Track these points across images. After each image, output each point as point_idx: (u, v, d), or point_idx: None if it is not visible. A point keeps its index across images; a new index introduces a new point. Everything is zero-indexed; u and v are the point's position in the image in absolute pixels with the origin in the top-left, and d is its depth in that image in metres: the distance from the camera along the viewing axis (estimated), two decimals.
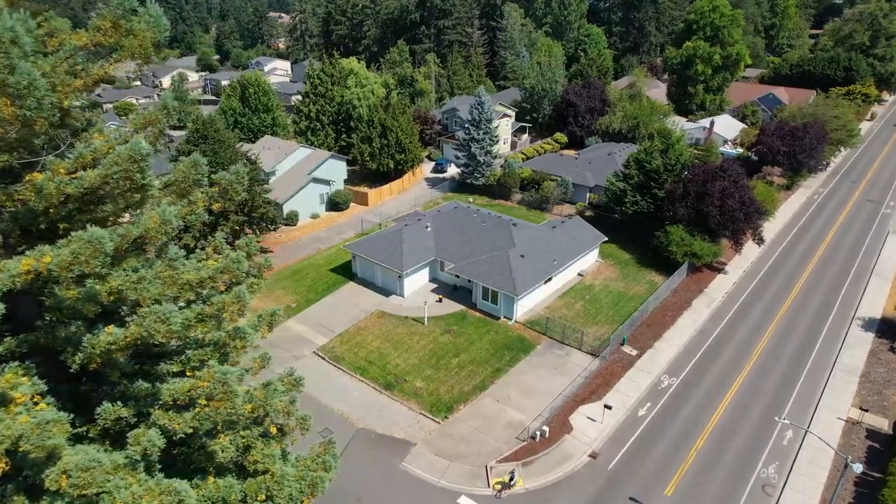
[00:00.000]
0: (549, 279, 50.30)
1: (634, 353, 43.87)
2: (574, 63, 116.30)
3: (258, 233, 60.05)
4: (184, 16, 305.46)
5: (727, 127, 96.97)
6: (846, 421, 37.41)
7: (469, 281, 49.65)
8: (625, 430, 36.80)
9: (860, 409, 37.80)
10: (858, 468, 24.99)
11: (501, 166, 76.19)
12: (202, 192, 15.43)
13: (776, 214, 68.72)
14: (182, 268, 12.69)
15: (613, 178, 60.24)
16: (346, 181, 76.06)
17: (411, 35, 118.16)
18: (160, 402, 13.31)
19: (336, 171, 73.24)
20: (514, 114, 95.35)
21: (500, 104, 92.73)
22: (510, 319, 47.42)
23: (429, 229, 54.72)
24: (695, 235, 53.03)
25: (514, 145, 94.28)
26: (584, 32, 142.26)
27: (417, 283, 52.22)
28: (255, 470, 16.79)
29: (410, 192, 77.94)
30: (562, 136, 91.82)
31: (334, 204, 71.09)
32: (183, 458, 16.15)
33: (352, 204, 73.21)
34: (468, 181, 74.70)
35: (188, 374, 14.16)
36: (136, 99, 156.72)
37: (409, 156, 77.55)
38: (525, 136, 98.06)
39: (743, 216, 52.30)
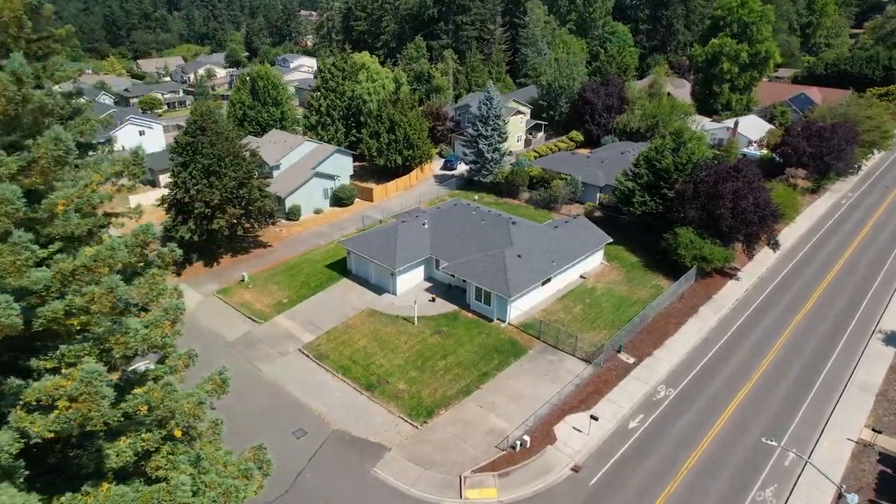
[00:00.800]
0: (548, 281, 48.20)
1: (631, 360, 41.51)
2: (594, 61, 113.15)
3: (256, 226, 59.44)
4: (216, 13, 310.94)
5: (753, 127, 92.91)
6: (857, 442, 34.49)
7: (463, 281, 47.90)
8: (613, 442, 34.59)
9: (873, 430, 34.78)
10: (853, 499, 22.43)
11: (512, 164, 74.14)
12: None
13: (798, 219, 65.28)
14: (25, 253, 11.37)
15: (622, 178, 57.67)
16: (352, 177, 75.16)
17: (429, 31, 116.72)
18: (22, 402, 12.05)
19: (342, 166, 72.27)
20: (528, 111, 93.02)
21: (513, 101, 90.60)
22: (503, 321, 45.52)
23: (426, 226, 53.16)
24: (705, 238, 50.24)
25: (528, 143, 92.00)
26: (609, 30, 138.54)
27: (411, 281, 50.69)
28: (157, 477, 15.42)
29: (417, 188, 76.47)
30: (577, 135, 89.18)
31: (338, 199, 70.08)
32: (77, 462, 14.88)
33: (357, 200, 72.10)
34: (475, 179, 72.85)
35: (63, 370, 12.86)
36: (162, 94, 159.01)
37: (418, 152, 76.11)
38: (540, 135, 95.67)
39: (757, 219, 49.32)
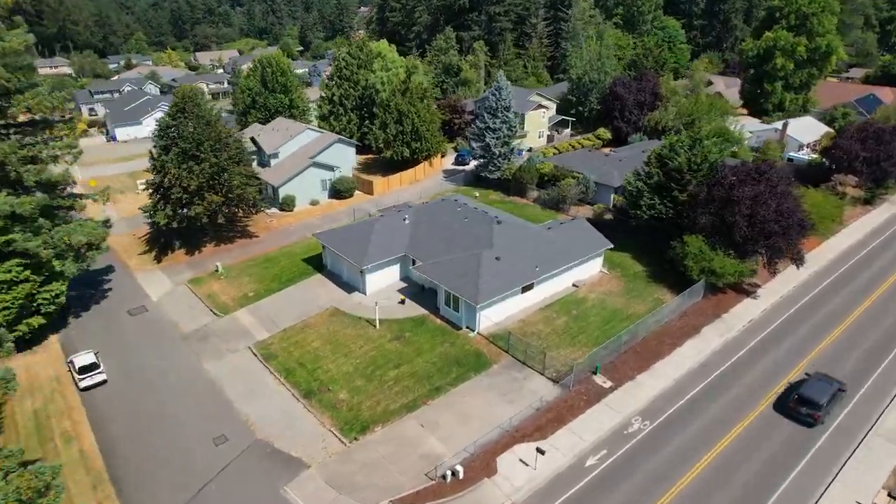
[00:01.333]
0: (529, 287, 43.24)
1: (608, 384, 36.10)
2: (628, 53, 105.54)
3: (240, 214, 57.14)
4: (275, 8, 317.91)
5: (806, 130, 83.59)
6: None
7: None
8: (563, 481, 29.55)
9: (889, 495, 28.21)
10: None
11: (528, 160, 69.01)
12: None
13: (843, 231, 57.20)
14: None
15: (632, 177, 51.73)
16: (360, 169, 72.21)
17: (459, 22, 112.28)
18: None
19: (343, 156, 69.30)
20: (553, 106, 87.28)
21: (536, 94, 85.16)
22: (472, 331, 40.97)
23: (407, 222, 49.20)
24: (717, 249, 43.88)
25: (550, 140, 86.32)
26: (659, 25, 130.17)
27: (384, 280, 46.85)
28: None
29: (423, 183, 72.55)
30: (605, 132, 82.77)
31: (337, 191, 67.12)
32: None
33: (357, 192, 68.96)
34: (482, 174, 68.20)
35: None
36: (207, 84, 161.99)
37: (426, 145, 72.24)
38: (567, 131, 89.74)
39: (778, 229, 42.56)
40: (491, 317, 41.01)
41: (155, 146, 52.90)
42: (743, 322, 42.65)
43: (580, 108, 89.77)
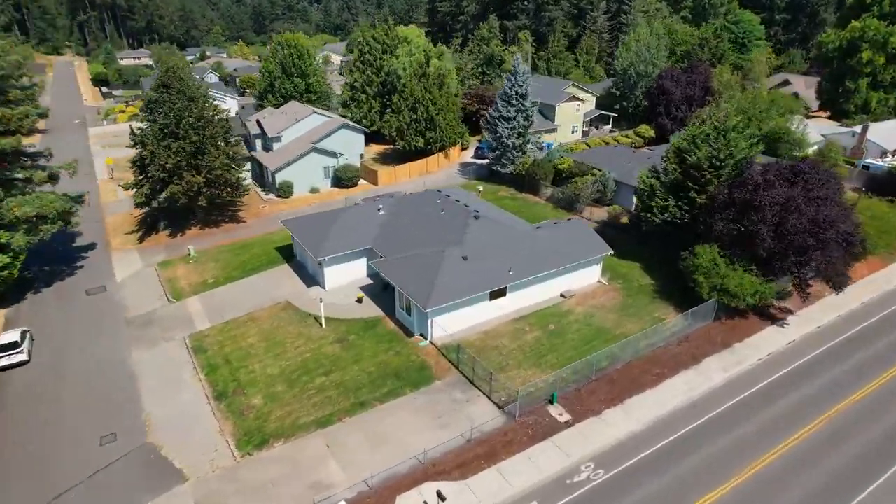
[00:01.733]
0: (500, 294, 37.23)
1: (565, 418, 29.64)
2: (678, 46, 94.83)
3: (223, 196, 54.24)
4: (350, 5, 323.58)
5: (893, 134, 71.37)
6: None
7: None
8: None
9: None
10: None
11: (546, 154, 62.46)
12: None
13: None
14: None
15: (647, 174, 44.31)
16: (375, 159, 68.22)
17: (505, 10, 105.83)
18: None
19: (350, 143, 65.40)
20: (591, 99, 79.57)
21: (572, 85, 77.78)
22: (425, 339, 35.53)
23: (381, 212, 44.37)
24: (735, 263, 36.02)
25: (585, 135, 78.68)
26: (733, 19, 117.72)
27: (347, 275, 42.25)
28: None
29: (434, 175, 67.47)
30: (647, 129, 74.23)
31: (339, 179, 63.29)
32: None
33: (362, 182, 64.91)
34: (494, 168, 62.22)
35: None
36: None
37: (441, 135, 67.15)
38: (606, 127, 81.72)
39: (814, 243, 34.21)
40: (447, 325, 35.37)
41: (139, 122, 51.10)
42: (759, 355, 34.62)
43: (624, 104, 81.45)
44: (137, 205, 50.40)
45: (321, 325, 37.54)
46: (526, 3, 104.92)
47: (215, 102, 53.78)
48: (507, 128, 58.91)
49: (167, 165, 48.73)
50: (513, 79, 58.54)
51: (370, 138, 74.66)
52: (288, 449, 28.16)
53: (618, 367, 33.09)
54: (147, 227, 54.85)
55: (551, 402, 30.38)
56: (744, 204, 35.93)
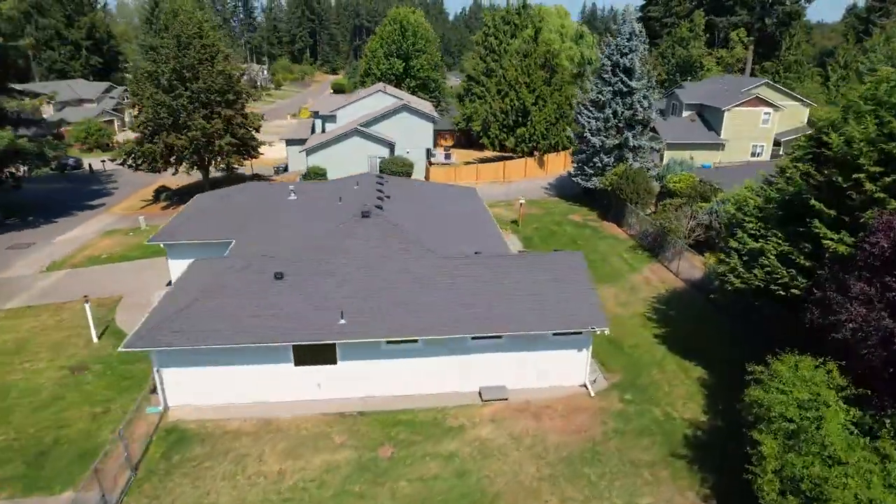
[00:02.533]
0: (319, 357, 19.12)
1: None
2: None
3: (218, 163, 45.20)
4: None
5: None
6: None
7: None
8: None
9: None
10: None
11: (665, 167, 39.73)
12: None
13: None
14: None
15: (745, 195, 20.81)
16: (448, 155, 53.27)
17: (717, 3, 78.52)
18: None
19: (412, 131, 51.29)
20: (803, 111, 51.01)
21: (765, 84, 50.61)
22: (159, 406, 19.49)
23: (292, 197, 29.43)
24: (874, 432, 11.95)
25: (775, 156, 50.52)
26: None
27: None
28: None
29: (510, 185, 48.85)
30: None
31: (384, 174, 49.50)
32: None
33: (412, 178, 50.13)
34: (575, 179, 41.32)
35: None
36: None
37: (532, 132, 48.75)
38: None
39: None
40: (197, 389, 18.79)
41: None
42: None
43: None
44: (121, 164, 44.52)
45: (93, 338, 24.25)
46: None
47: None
48: (594, 117, 38.08)
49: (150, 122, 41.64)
50: (613, 43, 37.53)
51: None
52: None
53: None
54: (155, 197, 49.29)
55: None
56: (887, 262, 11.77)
